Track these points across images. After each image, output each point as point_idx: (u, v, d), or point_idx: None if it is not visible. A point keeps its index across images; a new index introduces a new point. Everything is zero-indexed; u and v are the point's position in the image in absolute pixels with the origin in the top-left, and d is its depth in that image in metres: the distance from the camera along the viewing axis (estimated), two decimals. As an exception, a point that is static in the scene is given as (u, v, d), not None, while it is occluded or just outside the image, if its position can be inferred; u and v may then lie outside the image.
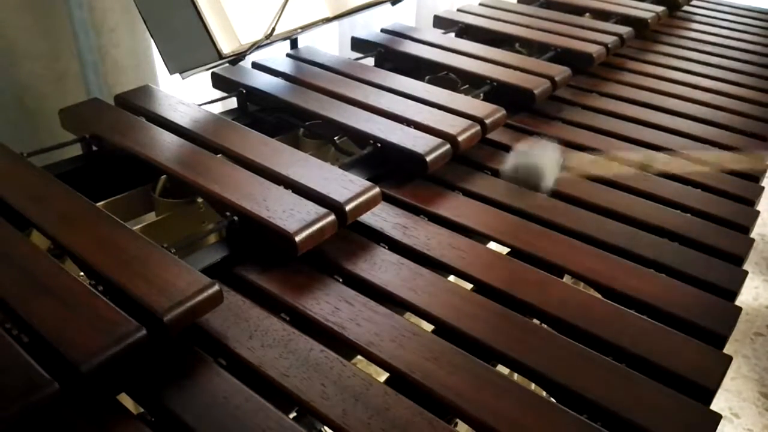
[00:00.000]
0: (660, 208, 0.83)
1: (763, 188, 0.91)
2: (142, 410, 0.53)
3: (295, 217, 0.66)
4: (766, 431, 1.47)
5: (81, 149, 0.84)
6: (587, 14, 1.47)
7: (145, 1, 0.85)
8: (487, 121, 0.91)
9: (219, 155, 0.78)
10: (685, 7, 1.67)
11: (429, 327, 0.63)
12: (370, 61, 1.19)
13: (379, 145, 0.85)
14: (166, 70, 0.87)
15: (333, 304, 0.63)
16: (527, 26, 1.32)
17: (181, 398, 0.52)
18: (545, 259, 0.72)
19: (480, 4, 1.47)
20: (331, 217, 0.68)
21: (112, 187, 0.82)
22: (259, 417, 0.50)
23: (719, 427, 0.54)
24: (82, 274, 0.60)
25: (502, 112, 0.95)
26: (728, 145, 1.00)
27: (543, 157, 0.81)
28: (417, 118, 0.89)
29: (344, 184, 0.72)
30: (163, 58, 0.86)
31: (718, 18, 1.62)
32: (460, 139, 0.86)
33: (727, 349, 0.63)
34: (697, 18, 1.62)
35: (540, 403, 0.54)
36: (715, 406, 0.56)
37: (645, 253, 0.74)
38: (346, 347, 0.59)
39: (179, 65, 0.87)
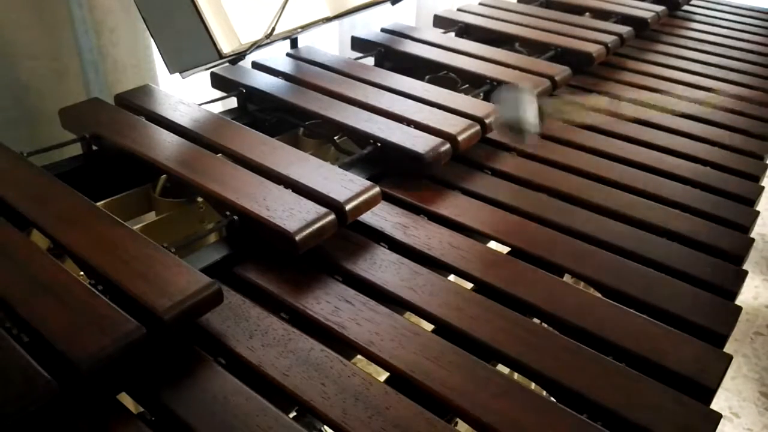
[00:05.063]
0: (660, 208, 0.83)
1: (763, 188, 0.91)
2: (142, 409, 0.53)
3: (295, 216, 0.66)
4: (766, 431, 1.47)
5: (81, 149, 0.84)
6: (587, 14, 1.47)
7: (145, 1, 0.85)
8: (487, 121, 0.91)
9: (219, 155, 0.78)
10: (685, 7, 1.67)
11: (429, 326, 0.63)
12: (370, 60, 1.19)
13: (379, 144, 0.85)
14: (166, 70, 0.87)
15: (333, 304, 0.63)
16: (527, 26, 1.32)
17: (181, 397, 0.52)
18: (545, 259, 0.72)
19: (480, 4, 1.47)
20: (331, 217, 0.68)
21: (112, 187, 0.82)
22: (259, 416, 0.50)
23: (719, 426, 0.54)
24: (82, 273, 0.60)
25: (502, 111, 0.95)
26: (728, 145, 1.00)
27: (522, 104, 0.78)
28: (417, 118, 0.89)
29: (344, 184, 0.72)
30: (163, 58, 0.86)
31: (718, 18, 1.62)
32: (460, 138, 0.86)
33: (727, 349, 0.63)
34: (697, 18, 1.62)
35: (540, 403, 0.54)
36: (715, 405, 0.56)
37: (645, 252, 0.74)
38: (346, 347, 0.59)
39: (179, 65, 0.87)
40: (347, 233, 0.72)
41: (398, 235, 0.74)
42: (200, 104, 0.92)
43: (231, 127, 0.85)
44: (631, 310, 0.65)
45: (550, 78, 1.07)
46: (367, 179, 0.74)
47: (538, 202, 0.83)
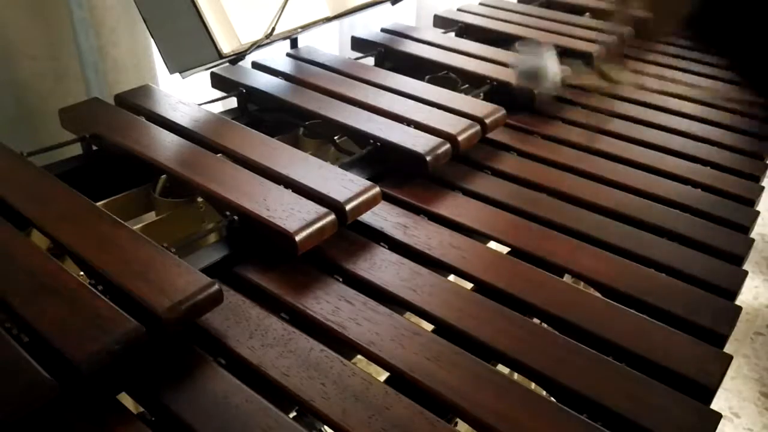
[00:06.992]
0: (660, 208, 0.83)
1: (763, 188, 0.91)
2: (142, 410, 0.53)
3: (295, 216, 0.66)
4: (766, 431, 1.47)
5: (81, 149, 0.84)
6: (587, 14, 1.47)
7: (145, 1, 0.85)
8: (487, 121, 0.91)
9: (219, 155, 0.78)
10: (685, 7, 1.66)
11: (429, 326, 0.63)
12: (370, 60, 1.19)
13: (379, 144, 0.85)
14: (166, 70, 0.87)
15: (333, 304, 0.63)
16: (527, 26, 1.32)
17: (181, 398, 0.52)
18: (545, 259, 0.72)
19: (480, 4, 1.47)
20: (332, 217, 0.68)
21: (112, 187, 0.82)
22: (259, 416, 0.50)
23: (719, 426, 0.54)
24: (82, 273, 0.60)
25: (502, 111, 0.95)
26: (728, 145, 1.00)
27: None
28: (417, 118, 0.89)
29: (344, 184, 0.72)
30: (163, 58, 0.86)
31: (718, 18, 1.62)
32: (460, 138, 0.86)
33: (727, 349, 0.63)
34: (697, 18, 1.61)
35: (540, 403, 0.54)
36: (715, 405, 0.56)
37: (645, 252, 0.74)
38: (346, 347, 0.59)
39: (179, 65, 0.87)
40: (347, 233, 0.72)
41: (398, 235, 0.74)
42: (200, 104, 0.92)
43: (231, 127, 0.85)
44: (631, 310, 0.65)
45: (550, 78, 1.06)
46: (367, 179, 0.74)
47: (538, 202, 0.83)
